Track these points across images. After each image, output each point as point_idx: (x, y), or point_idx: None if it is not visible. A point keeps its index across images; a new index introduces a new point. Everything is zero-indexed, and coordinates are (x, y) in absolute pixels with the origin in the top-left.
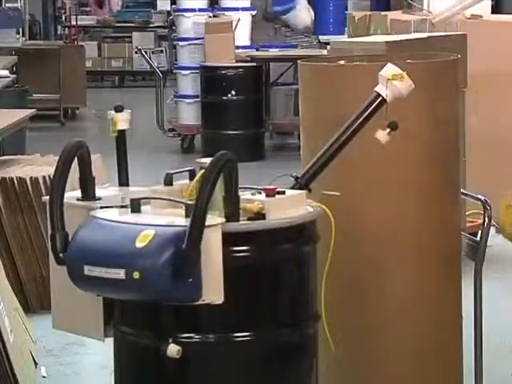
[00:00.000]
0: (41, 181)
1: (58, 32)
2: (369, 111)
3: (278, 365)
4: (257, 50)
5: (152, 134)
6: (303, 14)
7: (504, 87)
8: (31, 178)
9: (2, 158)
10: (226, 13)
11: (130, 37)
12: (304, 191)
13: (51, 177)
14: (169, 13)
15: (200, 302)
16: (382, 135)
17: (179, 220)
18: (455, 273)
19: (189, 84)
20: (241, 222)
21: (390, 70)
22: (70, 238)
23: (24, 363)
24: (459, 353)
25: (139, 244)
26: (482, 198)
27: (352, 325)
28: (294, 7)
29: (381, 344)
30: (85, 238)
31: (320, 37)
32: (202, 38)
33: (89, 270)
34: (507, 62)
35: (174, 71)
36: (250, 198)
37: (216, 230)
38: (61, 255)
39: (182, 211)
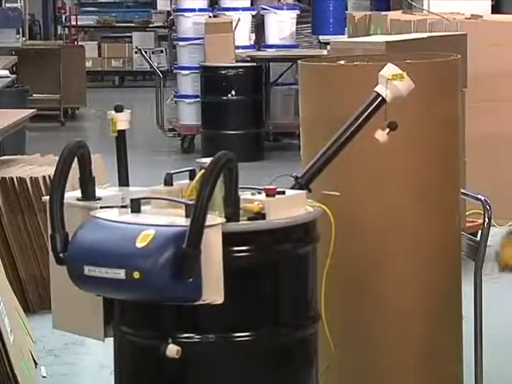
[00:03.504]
0: (41, 181)
1: (58, 32)
2: (369, 111)
3: (277, 365)
4: (257, 49)
5: (152, 134)
6: None
7: (504, 87)
8: (31, 178)
9: (2, 158)
10: (226, 13)
11: (130, 37)
12: (304, 191)
13: (51, 177)
14: (169, 13)
15: (200, 302)
16: (382, 135)
17: (179, 220)
18: (455, 273)
19: (189, 84)
20: (241, 222)
21: (390, 69)
22: (70, 238)
23: (24, 363)
24: (459, 352)
25: (139, 244)
26: (482, 198)
27: (352, 325)
28: None
29: (381, 344)
30: (85, 238)
31: (320, 37)
32: (202, 38)
33: (89, 270)
34: (507, 62)
35: (174, 71)
36: (250, 198)
37: (216, 229)
38: (61, 255)
39: (182, 211)
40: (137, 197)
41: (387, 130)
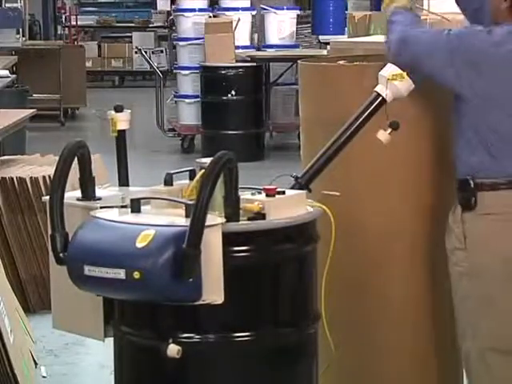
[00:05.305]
0: (41, 181)
1: (58, 32)
2: (369, 111)
3: (277, 365)
4: (257, 49)
5: (152, 134)
6: None
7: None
8: (31, 178)
9: (2, 158)
10: (226, 13)
11: (130, 37)
12: (304, 191)
13: (51, 177)
14: (169, 13)
15: (200, 302)
16: (384, 135)
17: (179, 220)
18: None
19: (189, 84)
20: (241, 222)
21: (390, 69)
22: (70, 237)
23: (24, 363)
24: (459, 353)
25: (139, 244)
26: None
27: (352, 325)
28: None
29: (381, 344)
30: (85, 238)
31: (320, 37)
32: (202, 38)
33: (89, 270)
34: None
35: (174, 71)
36: (250, 198)
37: (216, 229)
38: (61, 255)
39: (182, 211)
40: (137, 197)
41: (389, 129)
